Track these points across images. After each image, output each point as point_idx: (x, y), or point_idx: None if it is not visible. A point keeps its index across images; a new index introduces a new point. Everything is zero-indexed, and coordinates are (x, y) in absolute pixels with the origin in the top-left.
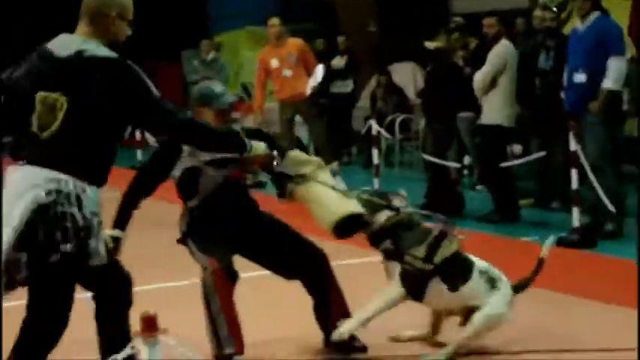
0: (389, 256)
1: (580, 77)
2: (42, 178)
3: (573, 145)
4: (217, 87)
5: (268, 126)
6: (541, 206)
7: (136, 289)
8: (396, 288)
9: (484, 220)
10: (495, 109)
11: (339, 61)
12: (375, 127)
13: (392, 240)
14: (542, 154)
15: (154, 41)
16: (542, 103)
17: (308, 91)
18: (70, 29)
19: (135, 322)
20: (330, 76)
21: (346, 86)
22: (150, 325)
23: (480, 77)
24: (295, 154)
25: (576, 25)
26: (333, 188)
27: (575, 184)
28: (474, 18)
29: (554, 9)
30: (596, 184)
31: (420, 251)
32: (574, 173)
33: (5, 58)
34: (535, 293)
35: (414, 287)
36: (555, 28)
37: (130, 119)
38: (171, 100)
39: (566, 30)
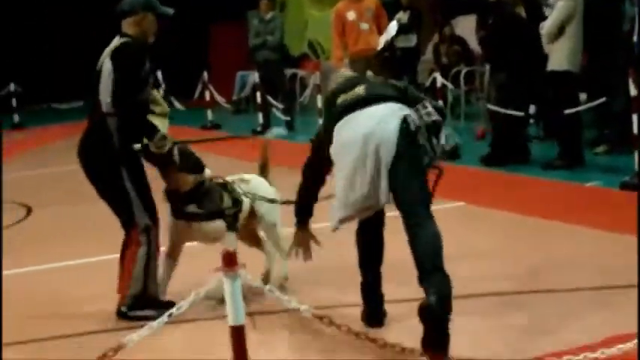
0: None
1: None
2: None
3: (633, 91)
4: None
5: (325, 82)
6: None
7: None
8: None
9: (550, 167)
10: (564, 55)
11: (402, 16)
12: (440, 79)
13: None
14: (603, 99)
15: (220, 2)
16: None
17: (380, 46)
18: None
19: (217, 260)
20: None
21: (410, 40)
22: (230, 260)
23: (548, 25)
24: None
25: None
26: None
27: (636, 128)
28: None
29: None
30: None
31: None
32: (635, 118)
33: None
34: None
35: None
36: None
37: None
38: (237, 61)
39: None
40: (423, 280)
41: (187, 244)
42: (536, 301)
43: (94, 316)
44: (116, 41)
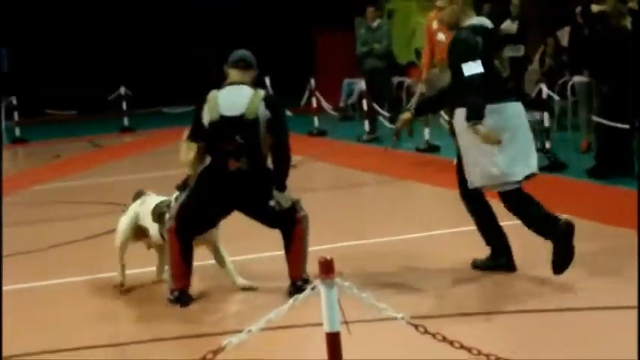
0: None
1: None
2: None
3: None
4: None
5: (430, 89)
6: None
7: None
8: None
9: None
10: None
11: (509, 26)
12: (545, 90)
13: None
14: None
15: (328, 9)
16: None
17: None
18: None
19: (314, 267)
20: (502, 40)
21: (518, 50)
22: (327, 268)
23: None
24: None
25: None
26: None
27: None
28: None
29: None
30: None
31: None
32: None
33: None
34: None
35: None
36: None
37: None
38: (344, 68)
39: None
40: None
41: None
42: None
43: (193, 319)
44: (251, 91)
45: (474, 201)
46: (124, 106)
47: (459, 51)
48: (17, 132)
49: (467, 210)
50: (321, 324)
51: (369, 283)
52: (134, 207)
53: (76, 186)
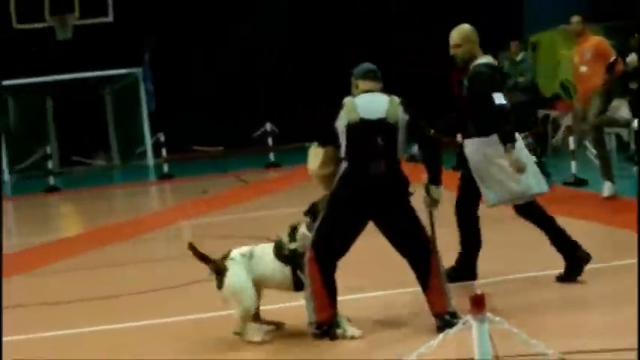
0: None
1: None
2: None
3: None
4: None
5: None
6: None
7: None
8: None
9: None
10: None
11: (633, 59)
12: None
13: None
14: None
15: None
16: None
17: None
18: None
19: (465, 302)
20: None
21: None
22: (478, 303)
23: None
24: None
25: None
26: None
27: None
28: None
29: None
30: None
31: None
32: None
33: None
34: None
35: None
36: None
37: None
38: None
39: None
40: None
41: None
42: None
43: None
44: (386, 97)
45: (533, 213)
46: (270, 141)
47: (486, 82)
48: (165, 168)
49: (534, 223)
50: (471, 359)
51: (514, 318)
52: (241, 264)
53: (223, 221)
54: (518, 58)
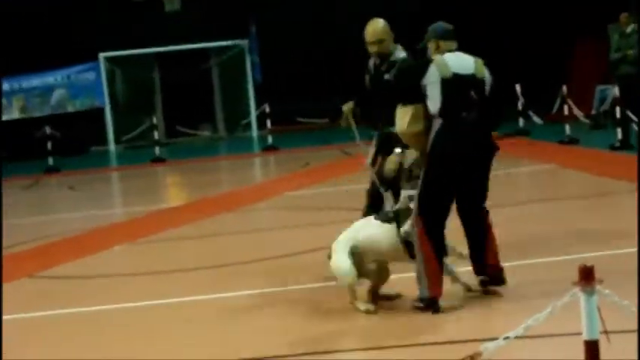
0: None
1: None
2: None
3: None
4: None
5: None
6: None
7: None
8: None
9: None
10: None
11: None
12: None
13: None
14: None
15: (580, 17)
16: None
17: None
18: None
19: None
20: None
21: None
22: (587, 275)
23: None
24: None
25: None
26: None
27: None
28: None
29: None
30: None
31: None
32: None
33: None
34: None
35: None
36: None
37: None
38: (596, 73)
39: None
40: None
41: None
42: None
43: (438, 326)
44: (470, 56)
45: None
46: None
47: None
48: (269, 140)
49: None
50: (577, 333)
51: (625, 293)
52: (344, 243)
53: (324, 192)
54: (629, 30)
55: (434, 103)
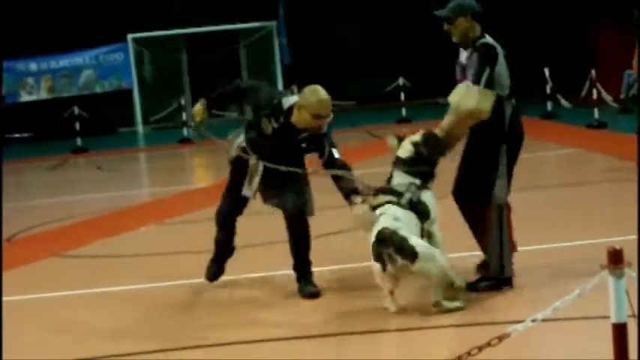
0: None
1: None
2: None
3: None
4: None
5: None
6: None
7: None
8: None
9: None
10: None
11: None
12: None
13: None
14: None
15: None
16: None
17: None
18: None
19: (602, 256)
20: None
21: None
22: (616, 258)
23: None
24: None
25: None
26: None
27: None
28: None
29: None
30: None
31: None
32: None
33: None
34: None
35: None
36: None
37: None
38: (625, 58)
39: None
40: None
41: None
42: None
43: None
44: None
45: None
46: (402, 97)
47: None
48: None
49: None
50: (605, 316)
51: None
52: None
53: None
54: None
55: (502, 87)
